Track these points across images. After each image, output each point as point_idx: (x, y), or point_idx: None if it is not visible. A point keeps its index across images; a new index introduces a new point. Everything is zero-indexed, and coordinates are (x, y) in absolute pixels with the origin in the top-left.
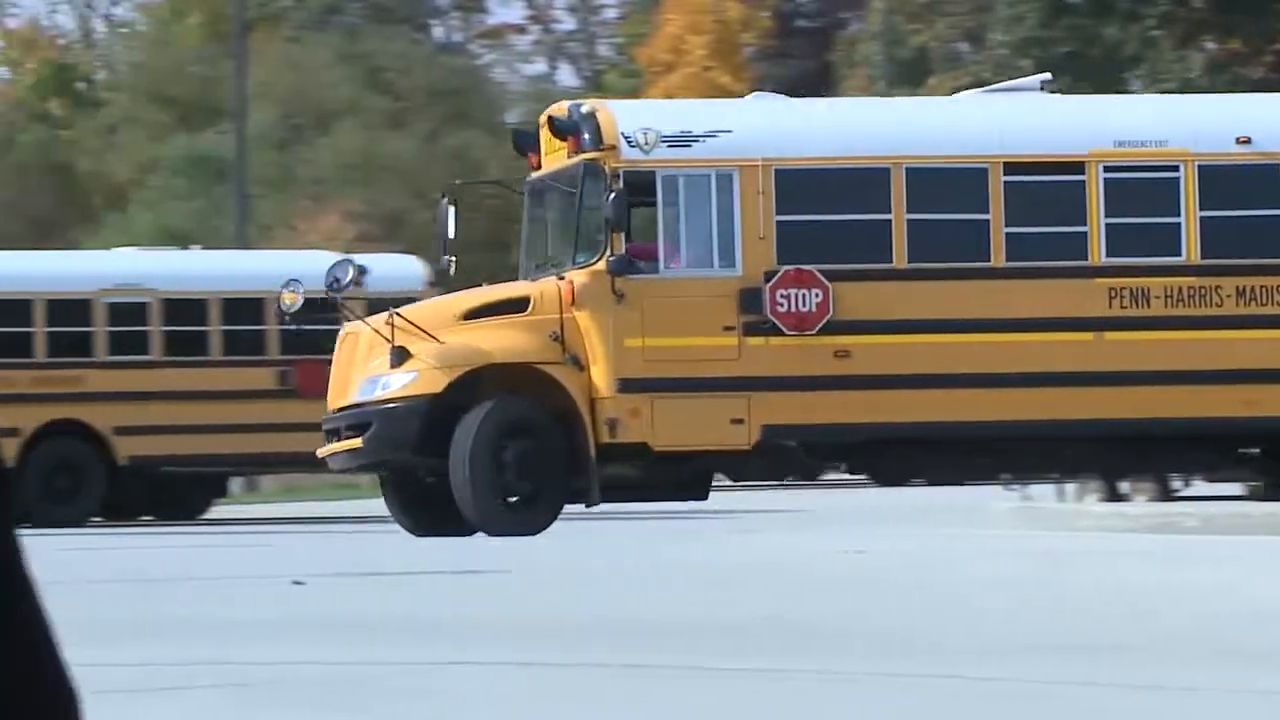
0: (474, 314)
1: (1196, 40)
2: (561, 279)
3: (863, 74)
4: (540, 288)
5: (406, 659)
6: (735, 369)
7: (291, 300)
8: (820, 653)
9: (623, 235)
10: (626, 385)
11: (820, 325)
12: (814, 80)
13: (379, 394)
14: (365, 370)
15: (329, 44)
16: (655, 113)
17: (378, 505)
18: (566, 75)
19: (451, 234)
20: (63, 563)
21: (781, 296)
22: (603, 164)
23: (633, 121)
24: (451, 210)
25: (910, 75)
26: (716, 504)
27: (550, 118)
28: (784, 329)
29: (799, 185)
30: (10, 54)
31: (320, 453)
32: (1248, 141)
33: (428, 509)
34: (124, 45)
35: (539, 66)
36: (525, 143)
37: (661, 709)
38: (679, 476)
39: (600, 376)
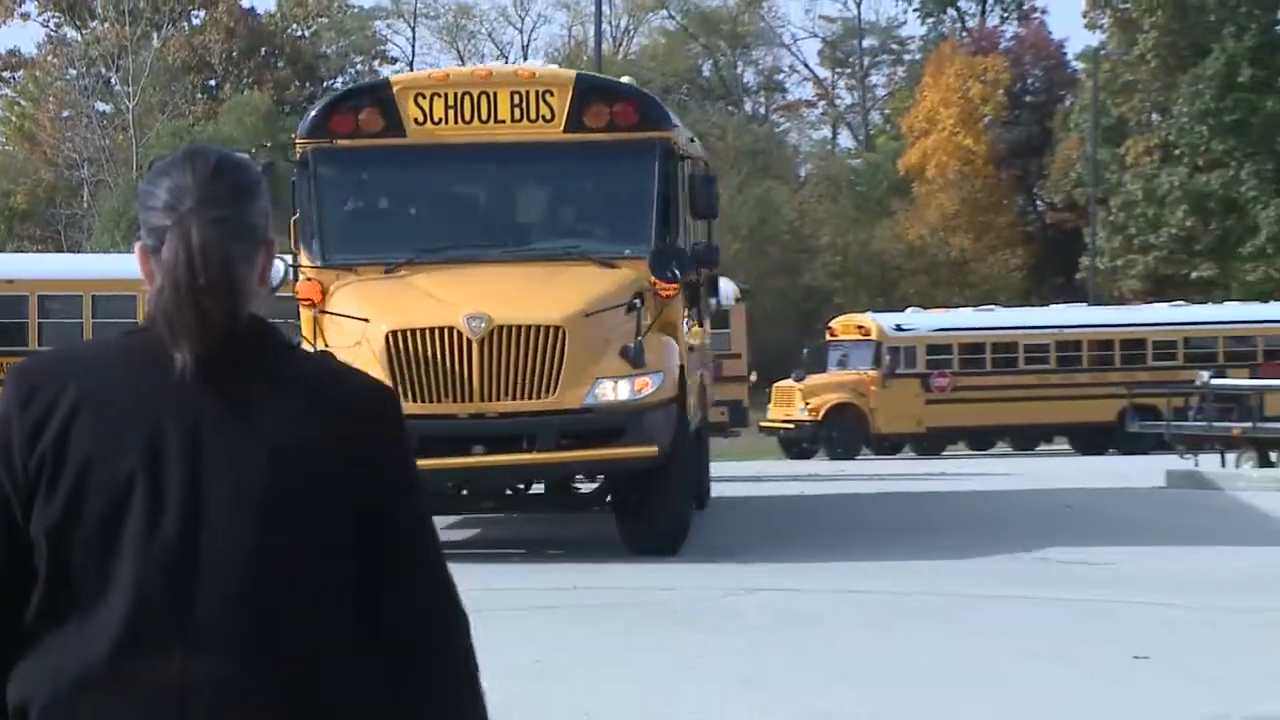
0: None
1: None
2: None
3: (1075, 137)
4: (633, 279)
5: None
6: None
7: None
8: None
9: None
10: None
11: None
12: (1037, 142)
13: (624, 398)
14: (591, 370)
15: None
16: None
17: None
18: (845, 138)
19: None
20: None
21: None
22: (674, 144)
23: None
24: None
25: (1111, 138)
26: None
27: (620, 84)
28: None
29: None
30: None
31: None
32: None
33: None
34: None
35: (824, 132)
36: (361, 105)
37: None
38: None
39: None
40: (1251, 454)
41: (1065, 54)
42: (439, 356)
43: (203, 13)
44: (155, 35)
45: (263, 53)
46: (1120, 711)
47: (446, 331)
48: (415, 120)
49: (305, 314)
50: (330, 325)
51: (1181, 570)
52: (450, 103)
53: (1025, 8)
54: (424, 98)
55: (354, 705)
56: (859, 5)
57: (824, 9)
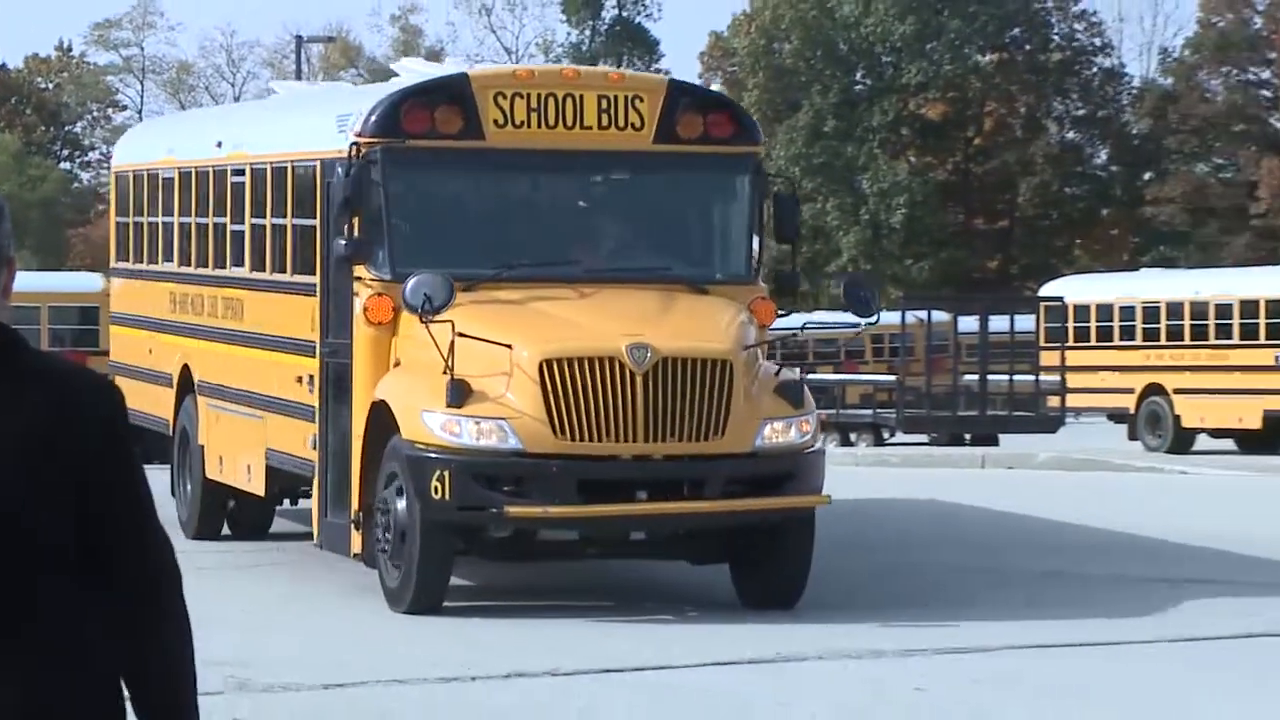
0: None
1: (903, 156)
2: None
3: None
4: (740, 307)
5: None
6: None
7: None
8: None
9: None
10: None
11: None
12: None
13: (791, 440)
14: (754, 408)
15: None
16: None
17: None
18: None
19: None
20: None
21: None
22: (763, 160)
23: None
24: None
25: None
26: None
27: (713, 93)
28: None
29: None
30: None
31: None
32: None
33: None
34: None
35: None
36: (436, 102)
37: None
38: None
39: None
40: (835, 435)
41: None
42: (600, 390)
43: None
44: None
45: (12, 101)
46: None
47: (608, 362)
48: (495, 122)
49: (368, 332)
50: (462, 350)
51: None
52: (533, 104)
53: (652, 69)
54: (504, 97)
55: (71, 657)
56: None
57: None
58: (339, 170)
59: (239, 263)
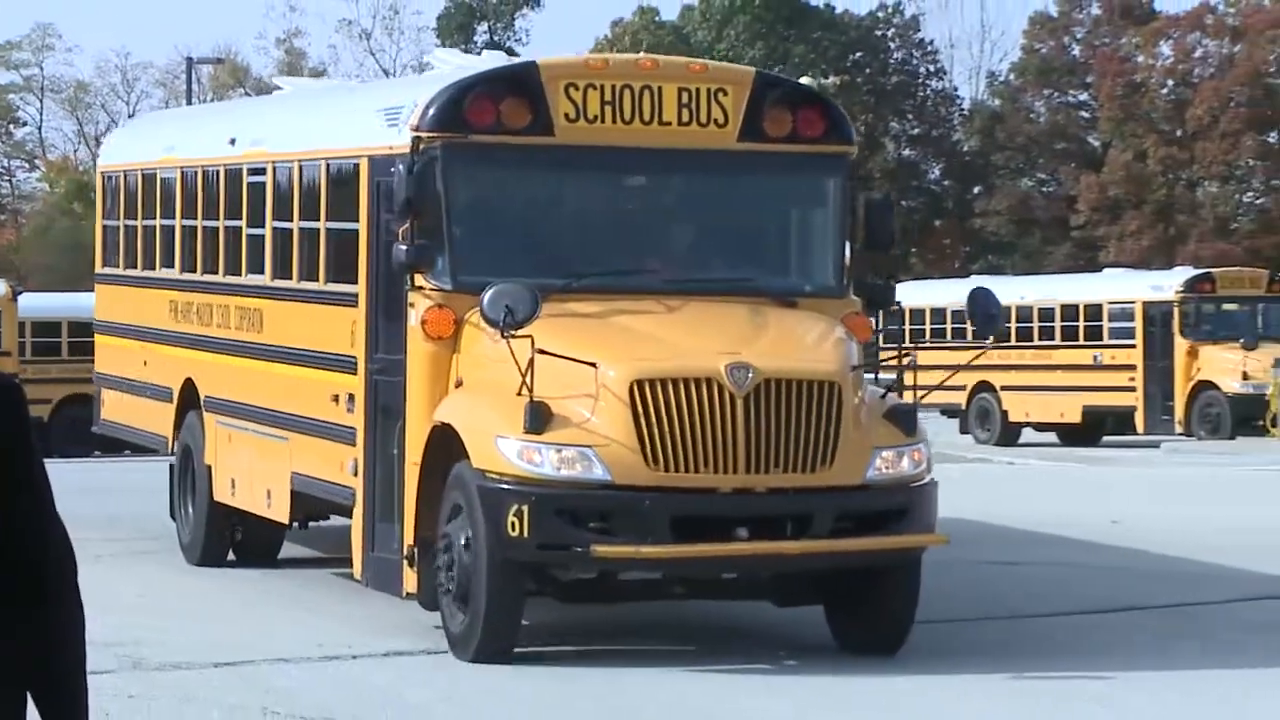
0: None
1: None
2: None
3: None
4: (835, 323)
5: None
6: None
7: None
8: None
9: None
10: None
11: None
12: None
13: (904, 471)
14: (864, 436)
15: None
16: None
17: None
18: None
19: None
20: None
21: None
22: (855, 162)
23: None
24: None
25: None
26: None
27: (803, 86)
28: None
29: None
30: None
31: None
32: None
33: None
34: None
35: None
36: (502, 94)
37: None
38: None
39: None
40: None
41: None
42: (697, 414)
43: None
44: None
45: None
46: None
47: (705, 384)
48: (566, 116)
49: (426, 348)
50: (540, 369)
51: None
52: (607, 97)
53: None
54: (577, 89)
55: None
56: None
57: None
58: (398, 168)
59: (258, 269)
